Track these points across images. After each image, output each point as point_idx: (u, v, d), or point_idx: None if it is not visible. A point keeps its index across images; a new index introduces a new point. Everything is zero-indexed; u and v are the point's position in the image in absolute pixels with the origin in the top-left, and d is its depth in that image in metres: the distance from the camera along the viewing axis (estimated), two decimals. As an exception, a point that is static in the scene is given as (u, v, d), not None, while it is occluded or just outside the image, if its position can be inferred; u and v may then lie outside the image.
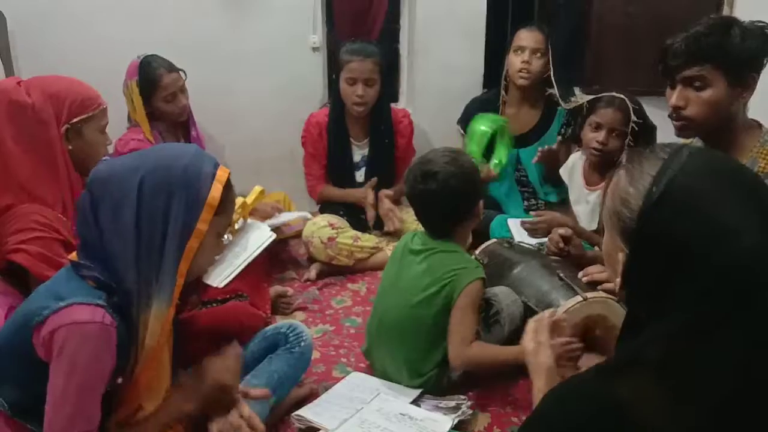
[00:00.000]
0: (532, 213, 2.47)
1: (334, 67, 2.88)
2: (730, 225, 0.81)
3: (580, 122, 2.35)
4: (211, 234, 1.29)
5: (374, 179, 2.76)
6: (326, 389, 1.79)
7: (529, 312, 1.79)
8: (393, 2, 3.16)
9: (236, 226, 2.30)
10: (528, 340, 1.41)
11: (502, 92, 2.85)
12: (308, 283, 2.55)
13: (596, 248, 2.18)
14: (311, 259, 2.65)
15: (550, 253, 2.10)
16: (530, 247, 2.22)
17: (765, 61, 1.56)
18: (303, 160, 2.87)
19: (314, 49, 3.08)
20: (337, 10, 3.14)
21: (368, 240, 2.66)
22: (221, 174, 1.28)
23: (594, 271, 1.83)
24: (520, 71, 2.72)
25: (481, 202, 1.87)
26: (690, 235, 0.82)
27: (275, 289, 2.33)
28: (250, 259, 2.18)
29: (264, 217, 2.49)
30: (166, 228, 1.22)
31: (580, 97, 2.44)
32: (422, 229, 1.89)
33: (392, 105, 2.90)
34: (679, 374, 0.82)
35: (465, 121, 2.91)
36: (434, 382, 1.78)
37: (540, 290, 1.85)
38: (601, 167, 2.33)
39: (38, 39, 2.82)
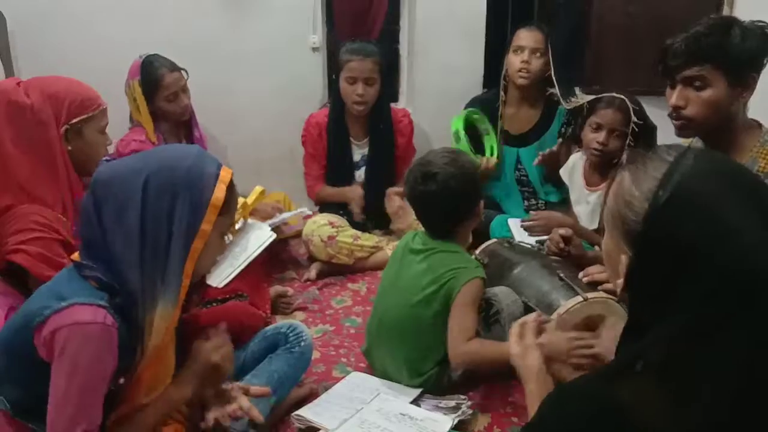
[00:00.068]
0: (531, 213, 2.48)
1: (334, 67, 2.89)
2: (735, 227, 0.81)
3: (580, 123, 2.35)
4: (215, 234, 1.29)
5: (360, 175, 2.75)
6: (326, 389, 1.79)
7: (529, 312, 1.79)
8: (393, 3, 3.16)
9: (236, 227, 2.30)
10: (513, 343, 1.41)
11: (501, 92, 2.85)
12: (308, 282, 2.55)
13: (597, 248, 2.18)
14: (311, 259, 2.65)
15: (550, 253, 2.10)
16: (530, 247, 2.22)
17: (765, 61, 1.56)
18: (303, 160, 2.87)
19: (314, 49, 3.08)
20: (337, 10, 3.14)
21: (368, 239, 2.66)
22: (224, 175, 1.29)
23: (594, 272, 1.83)
24: (519, 71, 2.71)
25: (482, 203, 1.87)
26: (696, 237, 0.81)
27: (275, 288, 2.33)
28: (250, 259, 2.18)
29: (264, 217, 2.49)
30: (170, 229, 1.22)
31: (580, 98, 2.44)
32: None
33: (392, 105, 2.90)
34: (681, 377, 0.82)
35: (465, 120, 2.92)
36: (434, 382, 1.78)
37: (540, 290, 1.85)
38: (602, 168, 2.33)
39: (38, 39, 2.82)
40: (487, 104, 2.88)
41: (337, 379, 1.85)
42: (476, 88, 3.17)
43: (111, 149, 2.08)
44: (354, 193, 2.76)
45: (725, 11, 2.79)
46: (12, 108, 1.68)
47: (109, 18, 2.86)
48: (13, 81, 1.78)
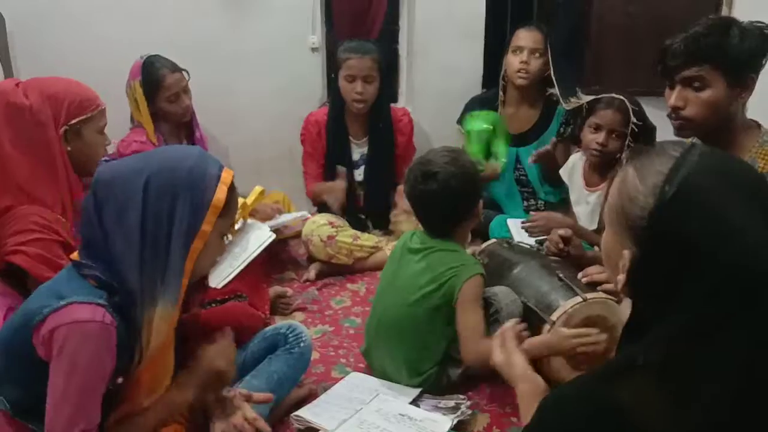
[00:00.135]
0: (531, 213, 2.47)
1: (333, 66, 2.89)
2: (739, 225, 0.80)
3: (580, 123, 2.35)
4: (215, 235, 1.30)
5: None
6: (325, 390, 1.79)
7: (528, 312, 1.80)
8: (392, 3, 3.16)
9: (236, 227, 2.30)
10: (497, 354, 1.42)
11: (500, 92, 2.85)
12: (307, 283, 2.55)
13: (596, 248, 2.18)
14: (310, 260, 2.65)
15: (549, 253, 2.09)
16: (530, 247, 2.22)
17: (764, 62, 1.56)
18: (301, 159, 2.87)
19: (313, 49, 3.08)
20: (337, 10, 3.14)
21: (368, 239, 2.66)
22: (226, 176, 1.29)
23: (594, 272, 1.83)
24: (518, 71, 2.71)
25: (481, 202, 1.87)
26: (701, 234, 0.81)
27: (274, 289, 2.33)
28: (249, 260, 2.18)
29: (264, 218, 2.49)
30: (171, 229, 1.23)
31: (580, 98, 2.44)
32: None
33: (392, 105, 2.90)
34: (681, 377, 0.81)
35: (465, 120, 2.92)
36: (434, 381, 1.78)
37: (539, 291, 1.85)
38: (601, 168, 2.33)
39: (37, 40, 2.81)
40: (486, 104, 2.88)
41: (337, 380, 1.85)
42: (475, 89, 3.17)
43: (110, 149, 2.08)
44: (335, 185, 2.73)
45: (724, 11, 2.79)
46: (11, 109, 1.68)
47: (108, 18, 2.85)
48: (11, 82, 1.78)
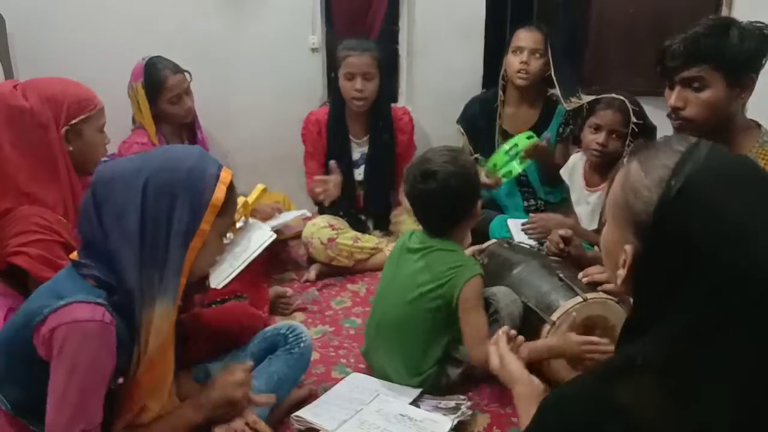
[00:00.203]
0: (531, 215, 2.47)
1: (332, 65, 2.89)
2: (744, 224, 0.80)
3: (580, 123, 2.35)
4: (213, 235, 1.30)
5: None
6: (326, 390, 1.79)
7: (528, 312, 1.80)
8: (392, 3, 3.16)
9: (237, 225, 2.30)
10: (494, 359, 1.43)
11: (500, 92, 2.85)
12: (308, 283, 2.55)
13: (596, 249, 2.18)
14: (311, 260, 2.65)
15: (550, 253, 2.10)
16: (530, 247, 2.22)
17: (763, 62, 1.56)
18: (302, 158, 2.87)
19: (313, 50, 3.09)
20: (336, 11, 3.14)
21: (368, 241, 2.66)
22: (225, 175, 1.29)
23: (594, 272, 1.83)
24: (518, 71, 2.71)
25: (480, 203, 1.87)
26: (705, 231, 0.80)
27: (274, 289, 2.33)
28: (250, 260, 2.18)
29: (264, 218, 2.49)
30: (169, 229, 1.23)
31: (581, 98, 2.44)
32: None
33: (392, 104, 2.90)
34: (681, 377, 0.81)
35: (465, 120, 2.92)
36: (433, 381, 1.78)
37: (540, 291, 1.85)
38: (602, 168, 2.33)
39: (37, 41, 2.82)
40: (486, 104, 2.88)
41: (337, 380, 1.85)
42: (475, 89, 3.17)
43: (110, 149, 2.08)
44: (327, 178, 2.67)
45: (724, 11, 2.79)
46: (11, 112, 1.68)
47: (108, 19, 2.86)
48: (9, 84, 1.78)
